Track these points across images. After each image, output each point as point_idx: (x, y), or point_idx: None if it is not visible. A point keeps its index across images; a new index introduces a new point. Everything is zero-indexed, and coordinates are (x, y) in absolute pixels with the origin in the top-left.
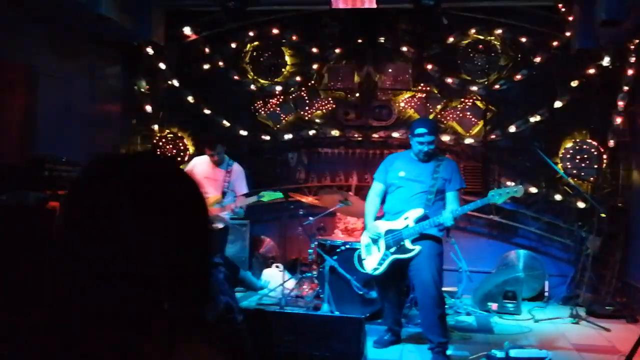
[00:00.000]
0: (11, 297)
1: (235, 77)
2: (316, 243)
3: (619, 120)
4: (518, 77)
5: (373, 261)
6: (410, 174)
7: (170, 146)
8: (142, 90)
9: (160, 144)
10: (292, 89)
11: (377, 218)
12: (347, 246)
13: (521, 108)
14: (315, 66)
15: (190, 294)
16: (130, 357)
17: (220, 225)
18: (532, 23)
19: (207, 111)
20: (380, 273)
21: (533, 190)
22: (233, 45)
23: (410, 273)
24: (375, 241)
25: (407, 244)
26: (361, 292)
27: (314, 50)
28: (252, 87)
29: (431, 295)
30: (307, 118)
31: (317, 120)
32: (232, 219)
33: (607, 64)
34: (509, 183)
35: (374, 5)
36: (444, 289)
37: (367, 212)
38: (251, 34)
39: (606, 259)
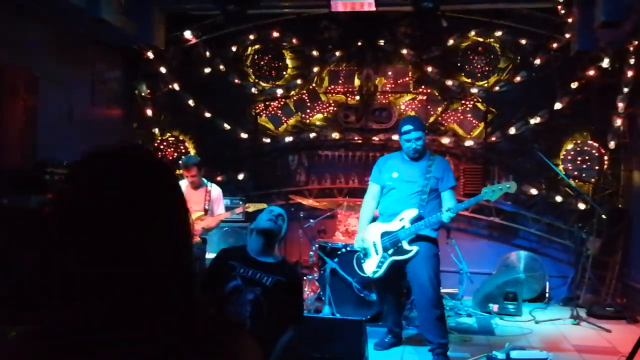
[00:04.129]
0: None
1: (236, 81)
2: (317, 245)
3: (619, 121)
4: (518, 79)
5: (372, 264)
6: (403, 175)
7: (172, 149)
8: (143, 94)
9: (162, 147)
10: (292, 92)
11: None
12: (348, 248)
13: (521, 110)
14: (315, 69)
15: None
16: None
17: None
18: (532, 25)
19: (207, 114)
20: (380, 276)
21: (533, 191)
22: (233, 49)
23: (408, 275)
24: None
25: (405, 245)
26: (362, 294)
27: (315, 53)
28: (253, 90)
29: (429, 297)
30: (307, 121)
31: (318, 123)
32: (233, 221)
33: (607, 66)
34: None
35: (373, 9)
36: (444, 290)
37: (363, 215)
38: (252, 37)
39: (606, 260)
